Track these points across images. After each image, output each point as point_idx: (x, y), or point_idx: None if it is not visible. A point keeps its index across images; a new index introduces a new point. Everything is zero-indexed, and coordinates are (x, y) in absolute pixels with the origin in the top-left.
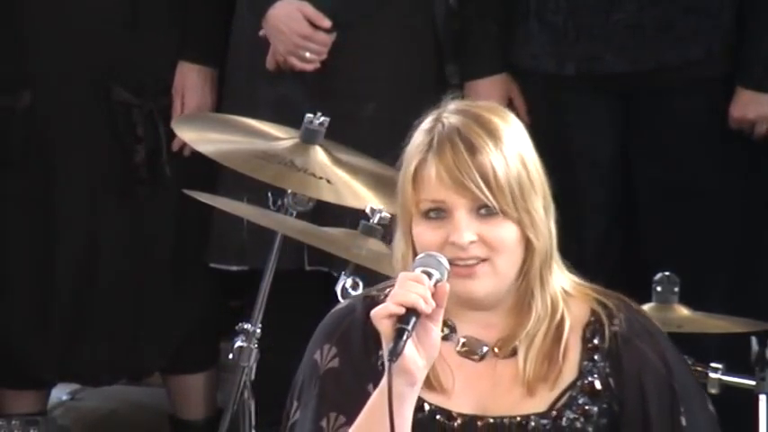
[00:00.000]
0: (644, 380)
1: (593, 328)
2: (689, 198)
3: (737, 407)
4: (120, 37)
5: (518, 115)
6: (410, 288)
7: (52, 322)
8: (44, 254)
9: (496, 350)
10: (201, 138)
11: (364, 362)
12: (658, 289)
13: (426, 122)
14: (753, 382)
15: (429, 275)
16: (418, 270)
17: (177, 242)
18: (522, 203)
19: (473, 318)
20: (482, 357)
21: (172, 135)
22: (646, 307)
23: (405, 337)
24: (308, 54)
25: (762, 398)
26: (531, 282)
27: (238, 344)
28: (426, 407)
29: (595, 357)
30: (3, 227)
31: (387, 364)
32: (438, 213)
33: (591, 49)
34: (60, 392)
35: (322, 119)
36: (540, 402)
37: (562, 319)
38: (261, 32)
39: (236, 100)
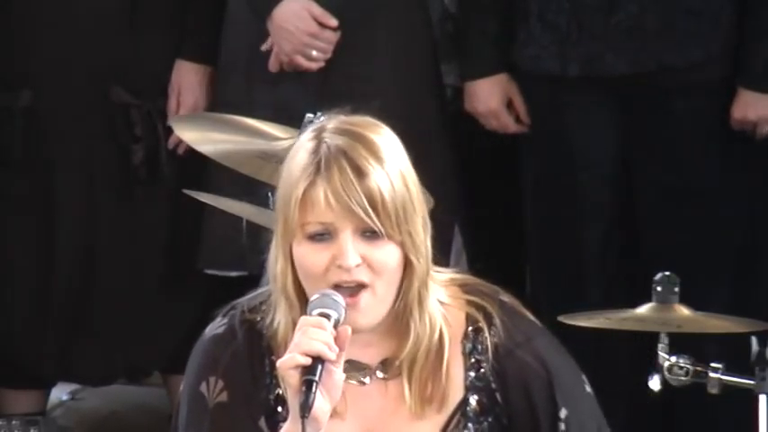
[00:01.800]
0: (531, 389)
1: (472, 340)
2: (689, 199)
3: (737, 407)
4: (120, 37)
5: (518, 116)
6: (313, 336)
7: (51, 322)
8: (43, 253)
9: (379, 371)
10: (201, 138)
11: (253, 395)
12: (658, 289)
13: (307, 141)
14: (753, 382)
15: (327, 317)
16: (316, 312)
17: (176, 242)
18: (405, 226)
19: (353, 339)
20: (366, 381)
21: (169, 134)
22: (646, 307)
23: (314, 389)
24: (314, 53)
25: (762, 398)
26: (409, 302)
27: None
28: None
29: (480, 371)
30: (2, 226)
31: (300, 420)
32: (323, 237)
33: (592, 49)
34: (60, 392)
35: (322, 119)
36: (430, 426)
37: (441, 338)
38: (263, 47)
39: (232, 103)
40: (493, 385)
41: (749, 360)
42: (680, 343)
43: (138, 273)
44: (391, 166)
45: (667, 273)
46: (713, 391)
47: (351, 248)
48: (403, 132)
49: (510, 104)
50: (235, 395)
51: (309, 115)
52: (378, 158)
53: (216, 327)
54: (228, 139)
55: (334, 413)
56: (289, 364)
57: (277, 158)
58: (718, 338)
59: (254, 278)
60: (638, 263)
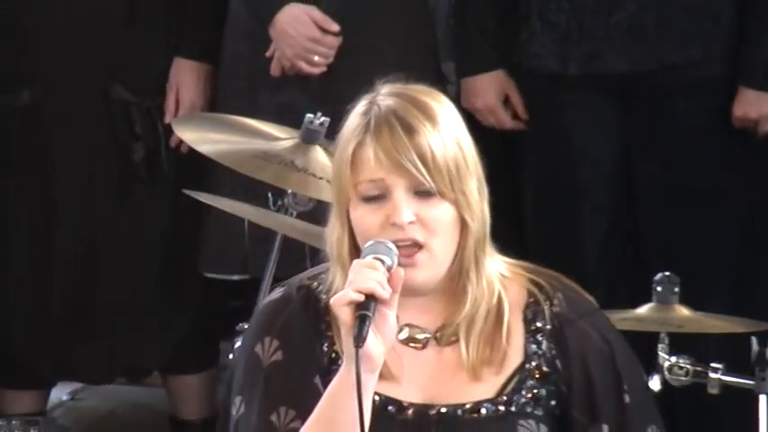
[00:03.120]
0: (589, 359)
1: (533, 309)
2: (689, 198)
3: (737, 407)
4: (119, 35)
5: (515, 112)
6: (367, 275)
7: (51, 322)
8: (43, 253)
9: (438, 336)
10: (201, 138)
11: (308, 353)
12: (658, 289)
13: (361, 106)
14: (753, 382)
15: (381, 262)
16: (370, 257)
17: (176, 241)
18: (458, 184)
19: (411, 304)
20: (425, 345)
21: (170, 132)
22: (646, 307)
23: (368, 323)
24: (316, 57)
25: (762, 398)
26: (465, 263)
27: (238, 344)
28: (376, 397)
29: (540, 339)
30: (2, 226)
31: (353, 350)
32: (376, 196)
33: (592, 48)
34: (60, 392)
35: (322, 119)
36: (487, 388)
37: (500, 301)
38: (268, 53)
39: (234, 107)
40: (553, 352)
41: (749, 360)
42: (680, 343)
43: (138, 272)
44: (444, 127)
45: (667, 273)
46: (713, 391)
47: (404, 205)
48: None
49: (507, 101)
50: (290, 354)
51: (309, 115)
52: (429, 118)
53: (273, 294)
54: (228, 139)
55: (391, 377)
56: (342, 300)
57: (277, 158)
58: (718, 338)
59: (256, 281)
60: (639, 262)
